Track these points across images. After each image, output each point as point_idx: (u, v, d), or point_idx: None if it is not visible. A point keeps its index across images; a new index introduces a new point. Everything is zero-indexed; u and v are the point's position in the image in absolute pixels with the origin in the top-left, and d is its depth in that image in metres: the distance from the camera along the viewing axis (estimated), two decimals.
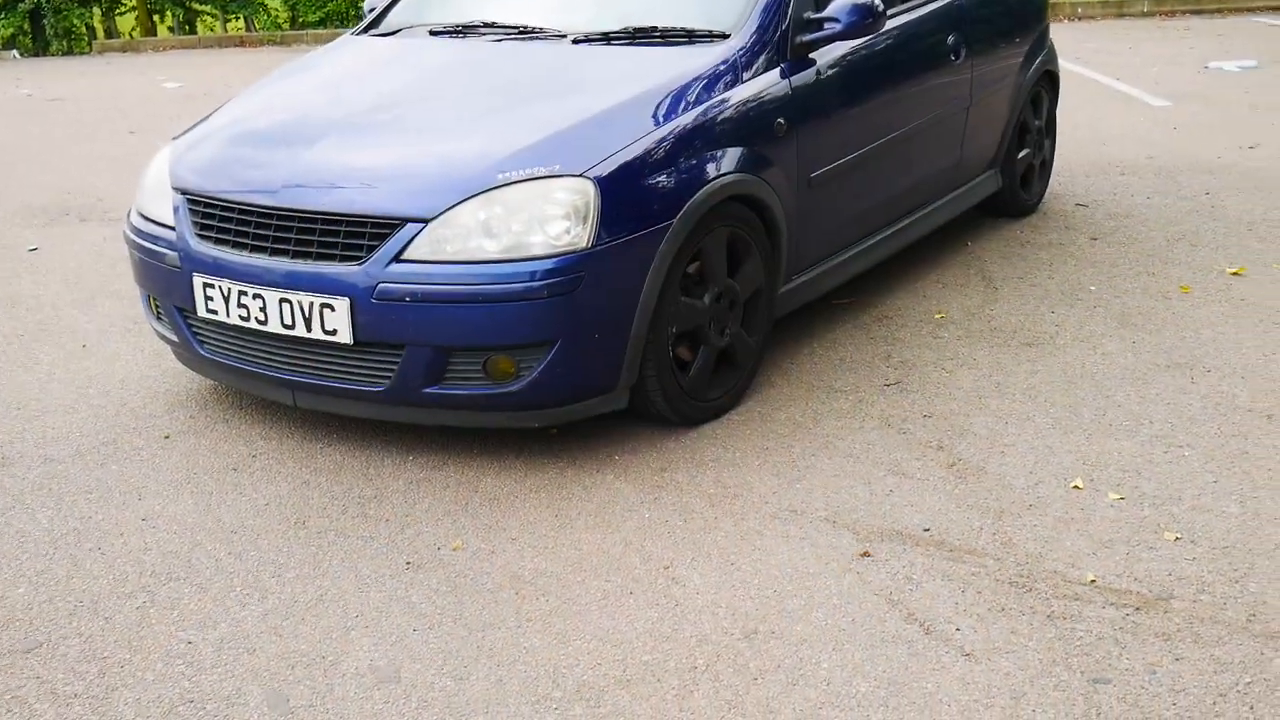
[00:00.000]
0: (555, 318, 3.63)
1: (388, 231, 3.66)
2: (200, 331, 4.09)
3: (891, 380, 4.38)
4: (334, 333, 3.72)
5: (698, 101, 4.04)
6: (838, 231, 4.75)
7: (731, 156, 4.05)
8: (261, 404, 4.35)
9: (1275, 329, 4.69)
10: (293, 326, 3.78)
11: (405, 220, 3.65)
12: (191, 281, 3.96)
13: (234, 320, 3.90)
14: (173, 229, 4.08)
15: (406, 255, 3.64)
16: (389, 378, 3.75)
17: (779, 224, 4.28)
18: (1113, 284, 5.27)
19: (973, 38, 5.48)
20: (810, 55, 4.48)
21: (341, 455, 3.98)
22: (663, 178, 3.82)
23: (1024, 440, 3.90)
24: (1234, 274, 5.34)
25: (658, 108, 3.97)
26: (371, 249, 3.67)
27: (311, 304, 3.72)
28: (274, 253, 3.81)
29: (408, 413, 3.86)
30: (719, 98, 4.11)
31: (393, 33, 5.00)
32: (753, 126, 4.16)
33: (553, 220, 3.62)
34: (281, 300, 3.77)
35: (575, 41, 4.49)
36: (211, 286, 3.92)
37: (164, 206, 4.16)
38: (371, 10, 5.34)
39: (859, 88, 4.71)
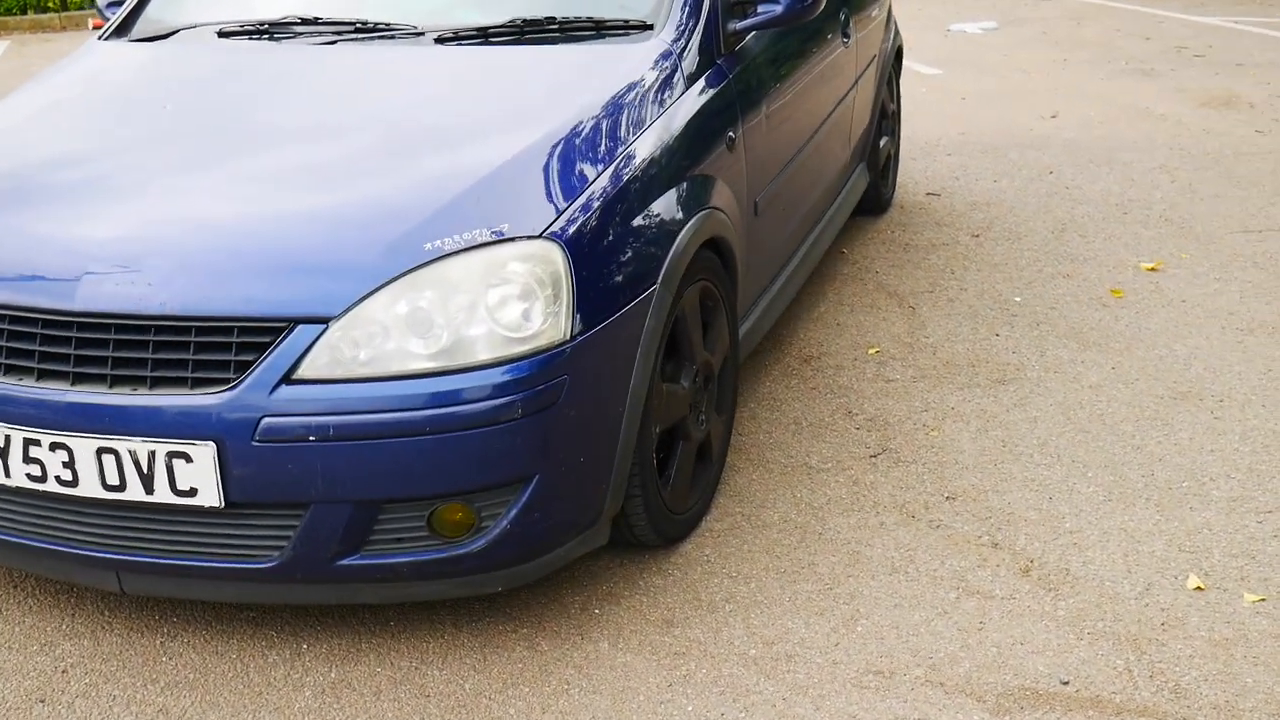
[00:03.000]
0: (532, 444, 2.54)
1: (268, 340, 2.47)
2: None
3: (875, 449, 3.51)
4: (191, 493, 2.50)
5: (645, 120, 3.02)
6: (771, 261, 3.83)
7: (695, 188, 3.05)
8: (58, 590, 3.02)
9: (1248, 337, 4.13)
10: (121, 487, 2.53)
11: (293, 321, 2.47)
12: None
13: (17, 482, 2.59)
14: None
15: (301, 373, 2.46)
16: (280, 549, 2.56)
17: (735, 266, 3.32)
18: (1034, 291, 4.60)
19: (854, 8, 4.66)
20: (737, 48, 3.51)
21: (199, 654, 2.75)
22: (634, 231, 2.79)
23: (1089, 524, 3.12)
24: (1151, 269, 4.78)
25: (600, 134, 2.92)
26: (244, 367, 2.46)
27: (153, 454, 2.49)
28: (80, 380, 2.53)
29: (308, 592, 2.68)
30: (667, 112, 3.09)
31: (162, 36, 3.67)
32: (706, 146, 3.17)
33: (509, 303, 2.53)
34: (101, 451, 2.51)
35: (440, 41, 3.34)
36: None
37: None
38: (110, 4, 3.96)
39: (784, 84, 3.79)
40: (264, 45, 3.47)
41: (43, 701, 2.65)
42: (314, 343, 2.45)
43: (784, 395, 3.86)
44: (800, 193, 4.00)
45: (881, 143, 5.35)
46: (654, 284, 2.79)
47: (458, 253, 2.53)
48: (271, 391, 2.44)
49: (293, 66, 3.36)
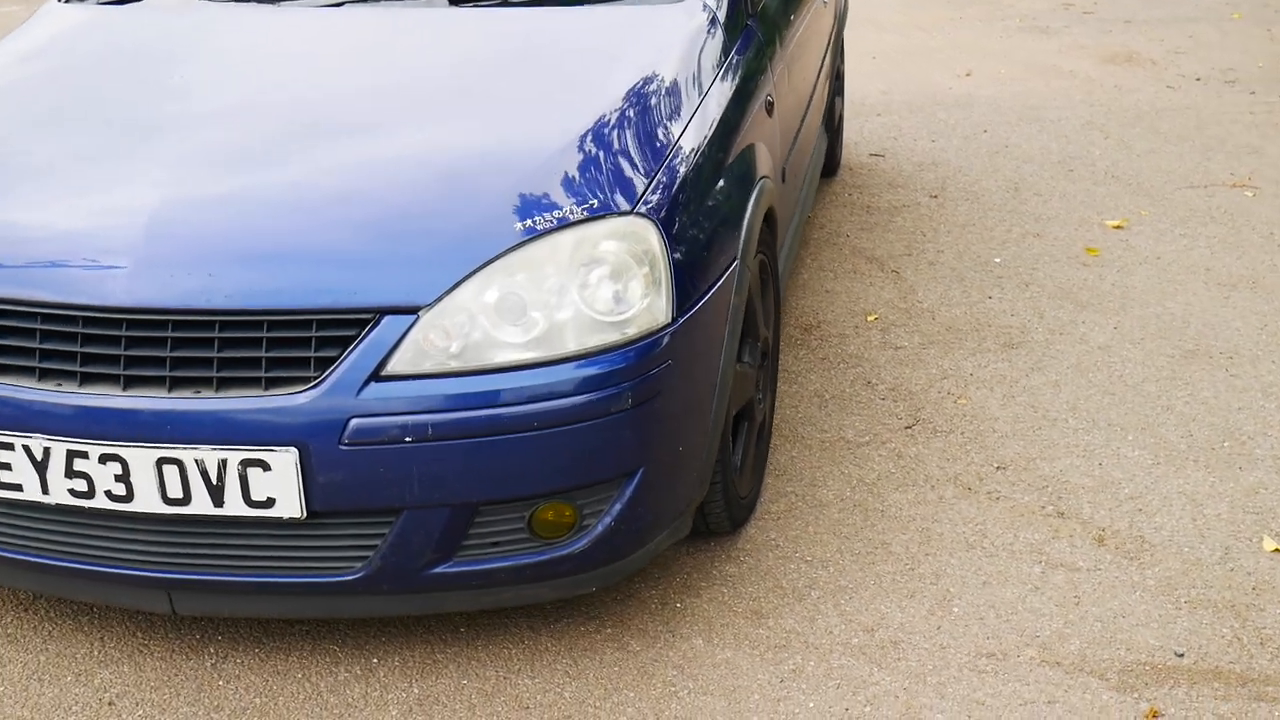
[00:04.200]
0: (640, 435, 2.38)
1: (352, 333, 2.25)
2: None
3: (908, 420, 3.43)
4: (268, 504, 2.28)
5: (703, 86, 2.86)
6: (784, 228, 3.70)
7: (749, 157, 2.91)
8: (76, 611, 2.75)
9: (1233, 293, 4.18)
10: (184, 501, 2.29)
11: (380, 311, 2.26)
12: None
13: (57, 499, 2.32)
14: None
15: (390, 368, 2.24)
16: (365, 559, 2.35)
17: (779, 236, 3.19)
18: (1011, 252, 4.58)
19: None
20: (759, 8, 3.37)
21: (259, 676, 2.54)
22: (713, 203, 2.64)
23: (1146, 488, 3.09)
24: (1117, 227, 4.80)
25: (666, 101, 2.75)
26: (325, 364, 2.24)
27: (223, 463, 2.25)
28: (133, 383, 2.27)
29: (393, 603, 2.48)
30: (719, 76, 2.94)
31: None
32: (753, 111, 3.02)
33: (605, 285, 2.35)
34: (162, 462, 2.26)
35: (454, 1, 3.12)
36: (5, 447, 2.33)
37: None
38: None
39: (792, 45, 3.66)
40: (263, 7, 3.19)
41: None
42: (404, 335, 2.25)
43: (796, 367, 3.75)
44: (802, 157, 3.88)
45: (836, 103, 5.26)
46: (735, 258, 2.64)
47: (549, 232, 2.34)
48: (360, 390, 2.23)
49: (309, 30, 3.10)
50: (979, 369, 3.70)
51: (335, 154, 2.55)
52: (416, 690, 2.50)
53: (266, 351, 2.26)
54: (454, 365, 2.27)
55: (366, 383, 2.23)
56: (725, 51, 3.00)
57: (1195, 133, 5.95)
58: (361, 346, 2.24)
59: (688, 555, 2.87)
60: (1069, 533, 2.92)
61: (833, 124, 5.21)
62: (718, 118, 2.77)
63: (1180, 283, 4.26)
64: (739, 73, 3.00)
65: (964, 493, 3.09)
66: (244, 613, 2.53)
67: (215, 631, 2.66)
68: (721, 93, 2.86)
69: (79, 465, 2.30)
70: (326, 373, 2.24)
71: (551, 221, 2.35)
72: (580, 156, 2.51)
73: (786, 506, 3.06)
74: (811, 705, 2.42)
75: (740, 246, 2.66)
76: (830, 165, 5.31)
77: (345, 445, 2.24)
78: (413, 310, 2.25)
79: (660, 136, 2.61)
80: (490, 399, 2.26)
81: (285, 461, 2.24)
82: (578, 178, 2.47)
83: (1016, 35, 8.25)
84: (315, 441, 2.24)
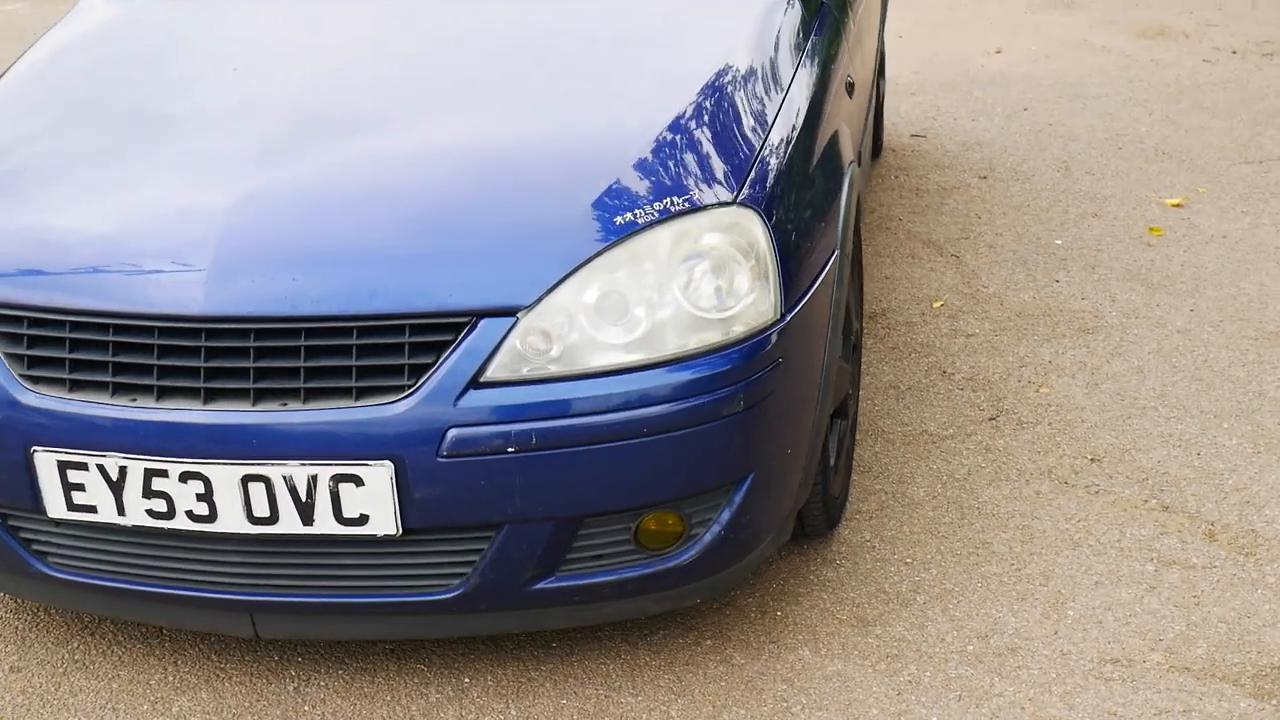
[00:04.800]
0: (752, 439, 2.25)
1: (448, 338, 2.11)
2: (45, 539, 2.32)
3: (990, 412, 3.30)
4: (360, 521, 2.14)
5: (792, 65, 2.73)
6: None
7: (838, 142, 2.77)
8: (145, 635, 2.61)
9: None
10: (271, 520, 2.16)
11: (477, 314, 2.12)
12: (29, 461, 2.19)
13: (134, 520, 2.19)
14: None
15: (489, 375, 2.11)
16: (462, 576, 2.21)
17: (860, 224, 3.06)
18: (1071, 233, 4.45)
19: None
20: None
21: (345, 699, 2.43)
22: (812, 192, 2.50)
23: (1250, 479, 2.97)
24: (1176, 205, 4.67)
25: (756, 82, 2.62)
26: (419, 371, 2.10)
27: (313, 479, 2.12)
28: (214, 396, 2.13)
29: (490, 621, 2.35)
30: (805, 55, 2.81)
31: None
32: (836, 92, 2.88)
33: (709, 280, 2.22)
34: (247, 479, 2.12)
35: None
36: (79, 467, 2.18)
37: None
38: None
39: (856, 21, 3.51)
40: None
41: None
42: (503, 338, 2.11)
43: (868, 358, 3.62)
44: (867, 138, 3.75)
45: (879, 83, 5.12)
46: (835, 248, 2.51)
47: (651, 226, 2.21)
48: (458, 398, 2.10)
49: (363, 12, 2.95)
50: (1057, 356, 3.57)
51: (408, 147, 2.42)
52: (514, 711, 2.37)
53: (357, 360, 2.13)
54: (554, 370, 2.14)
55: (465, 390, 2.10)
56: (805, 30, 2.86)
57: (1241, 107, 5.81)
58: (458, 352, 2.11)
59: (782, 560, 2.74)
60: (1177, 528, 2.80)
61: (878, 101, 5.07)
62: (805, 101, 2.64)
63: (1251, 262, 4.13)
64: (820, 52, 2.86)
65: (1061, 487, 2.97)
66: (331, 635, 2.40)
67: (295, 654, 2.53)
68: (806, 74, 2.73)
69: (158, 484, 2.17)
70: (422, 381, 2.10)
71: (653, 214, 2.21)
72: (671, 145, 2.38)
73: (877, 505, 2.93)
74: None
75: (839, 235, 2.53)
76: (876, 147, 5.17)
77: (444, 457, 2.11)
78: (511, 312, 2.12)
79: (750, 122, 2.47)
80: (596, 404, 2.13)
81: (380, 476, 2.11)
82: (672, 168, 2.33)
83: (1042, 10, 8.10)
84: (412, 454, 2.11)
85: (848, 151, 2.80)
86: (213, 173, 2.37)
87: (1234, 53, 6.74)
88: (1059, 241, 4.39)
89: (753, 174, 2.34)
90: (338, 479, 2.12)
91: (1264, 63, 6.53)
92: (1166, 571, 2.66)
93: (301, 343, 2.13)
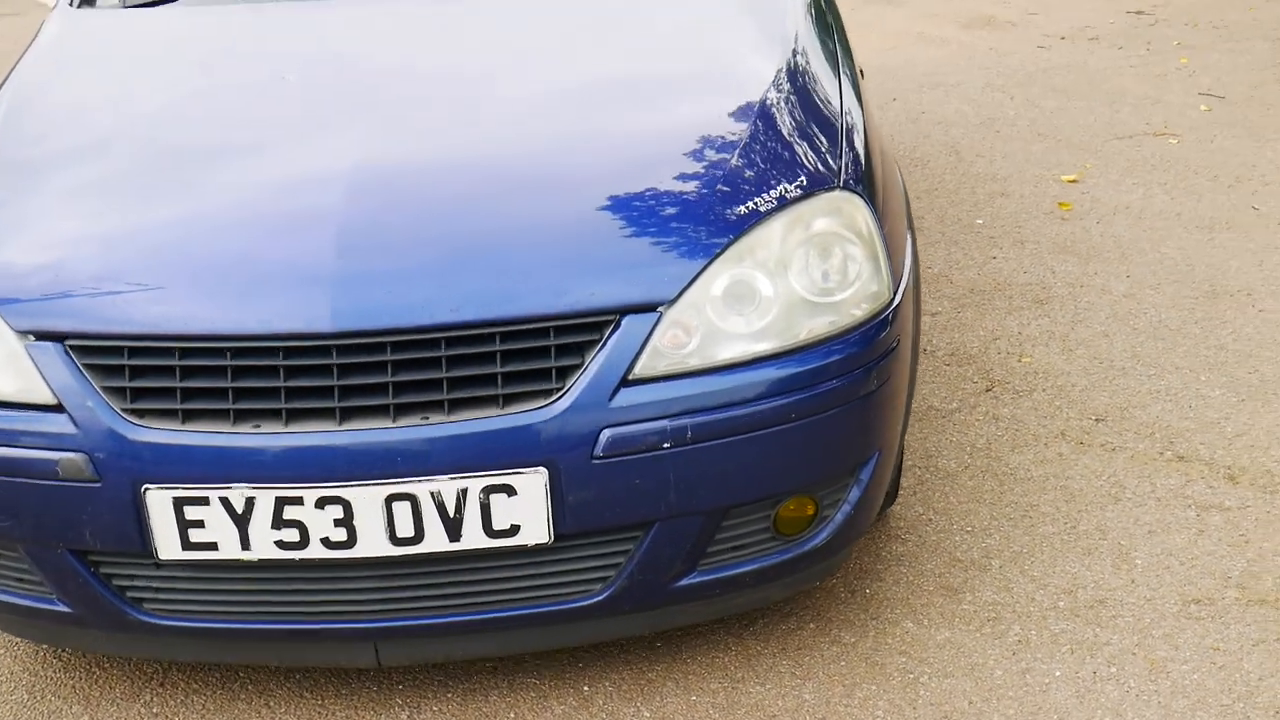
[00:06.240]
0: (880, 419, 2.31)
1: (593, 338, 2.09)
2: (144, 584, 2.19)
3: (984, 384, 3.45)
4: (511, 531, 2.10)
5: (833, 50, 2.82)
6: None
7: (873, 125, 2.84)
8: (233, 679, 2.48)
9: (1215, 234, 4.34)
10: (416, 539, 2.10)
11: (620, 312, 2.10)
12: (138, 501, 2.07)
13: (260, 553, 2.09)
14: (40, 409, 2.11)
15: (637, 372, 2.09)
16: (606, 579, 2.20)
17: None
18: (988, 213, 4.65)
19: None
20: None
21: None
22: (881, 171, 2.57)
23: (1247, 425, 3.19)
24: (1073, 181, 4.93)
25: (815, 71, 2.71)
26: (565, 374, 2.08)
27: (463, 492, 2.06)
28: (350, 415, 2.06)
29: (628, 624, 2.33)
30: (832, 41, 2.89)
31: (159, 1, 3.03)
32: (859, 79, 2.96)
33: (824, 264, 2.26)
34: (391, 499, 2.05)
35: None
36: (198, 502, 2.07)
37: None
38: None
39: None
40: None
41: None
42: (649, 335, 2.10)
43: None
44: None
45: None
46: (909, 228, 2.58)
47: (770, 214, 2.23)
48: (611, 397, 2.07)
49: (400, 19, 2.88)
50: (1024, 327, 3.74)
51: (512, 143, 2.38)
52: (646, 713, 2.35)
53: (501, 366, 2.07)
54: (693, 363, 2.14)
55: (617, 390, 2.08)
56: (825, 27, 2.93)
57: (1091, 89, 6.16)
58: (605, 352, 2.09)
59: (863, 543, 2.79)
60: (1199, 475, 2.97)
61: None
62: (854, 94, 2.70)
63: (1163, 230, 4.40)
64: (844, 49, 2.94)
65: (1079, 448, 3.11)
66: (459, 655, 2.33)
67: (396, 684, 2.45)
68: (844, 69, 2.79)
69: (290, 513, 2.08)
70: (571, 383, 2.07)
71: (771, 202, 2.24)
72: (767, 137, 2.41)
73: (916, 480, 3.01)
74: (1058, 674, 2.39)
75: (907, 214, 2.60)
76: None
77: (599, 459, 2.08)
78: (653, 308, 2.11)
79: (827, 114, 2.53)
80: (742, 394, 2.15)
81: (534, 484, 2.07)
82: (774, 159, 2.37)
83: (865, 6, 8.38)
84: (566, 458, 2.07)
85: (884, 134, 2.88)
86: (314, 180, 2.28)
87: (1063, 38, 7.13)
88: (980, 221, 4.58)
89: (845, 160, 2.38)
90: (489, 490, 2.07)
91: (1094, 47, 6.93)
92: (1208, 515, 2.82)
93: (442, 353, 2.07)
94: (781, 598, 2.44)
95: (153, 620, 2.22)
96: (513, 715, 2.37)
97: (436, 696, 2.41)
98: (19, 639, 2.57)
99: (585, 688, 2.42)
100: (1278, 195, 4.60)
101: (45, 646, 2.56)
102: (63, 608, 2.25)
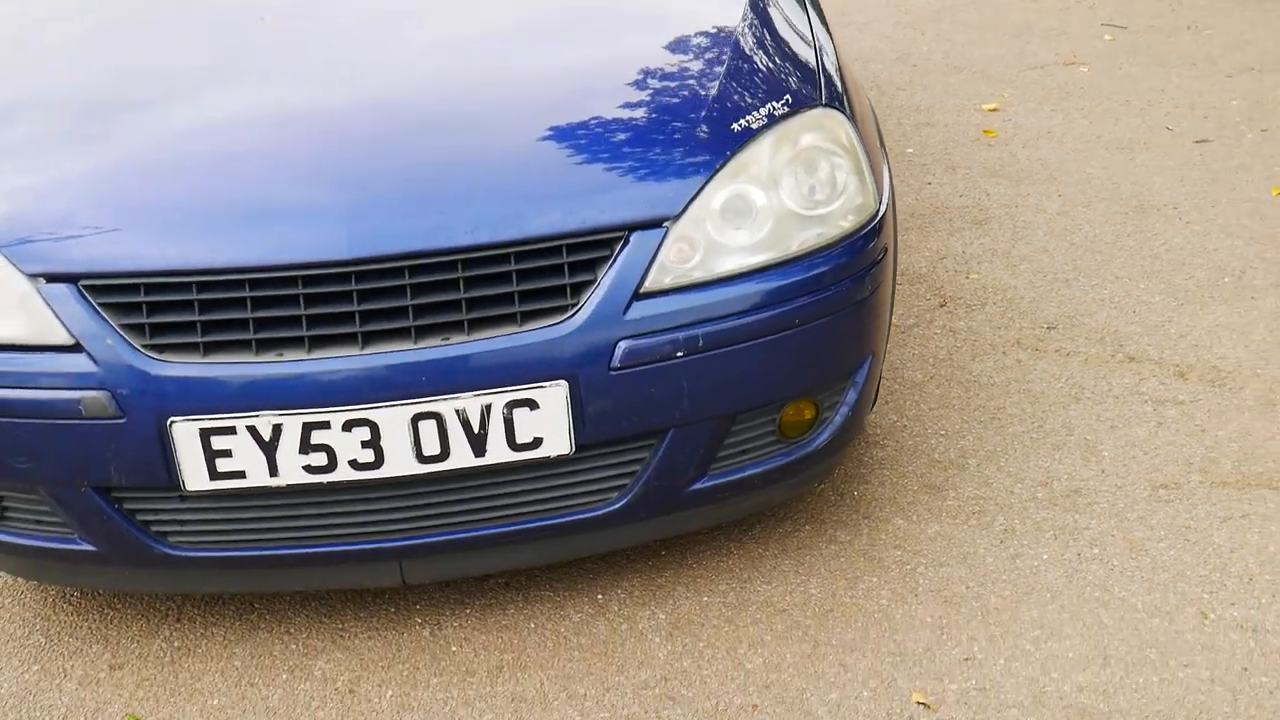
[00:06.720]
0: (874, 322, 2.43)
1: (603, 254, 2.17)
2: (168, 518, 2.23)
3: (936, 300, 3.59)
4: (534, 444, 2.18)
5: None
6: None
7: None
8: (247, 610, 2.52)
9: (1134, 155, 4.53)
10: (442, 457, 2.16)
11: (628, 228, 2.18)
12: (163, 434, 2.11)
13: (288, 479, 2.14)
14: (57, 349, 2.14)
15: (647, 286, 2.18)
16: (622, 487, 2.29)
17: None
18: (916, 143, 4.80)
19: None
20: None
21: (490, 634, 2.45)
22: (851, 92, 2.67)
23: (1188, 325, 3.36)
24: (993, 110, 5.10)
25: (787, 3, 2.75)
26: (579, 290, 2.16)
27: (487, 408, 2.14)
28: (372, 339, 2.12)
29: (642, 530, 2.42)
30: None
31: None
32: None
33: (812, 176, 2.36)
34: (418, 418, 2.12)
35: None
36: (225, 432, 2.11)
37: (5, 317, 2.17)
38: None
39: None
40: None
41: None
42: (657, 250, 2.18)
43: None
44: None
45: None
46: (883, 146, 2.68)
47: (761, 131, 2.32)
48: (625, 310, 2.16)
49: None
50: (968, 246, 3.88)
51: (510, 72, 2.44)
52: (663, 615, 2.45)
53: (518, 285, 2.14)
54: (697, 276, 2.23)
55: (630, 303, 2.16)
56: None
57: (998, 22, 6.33)
58: (616, 267, 2.16)
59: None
60: (1151, 373, 3.14)
61: None
62: (820, 15, 2.80)
63: (1085, 151, 4.58)
64: None
65: (1035, 354, 3.26)
66: (482, 569, 2.40)
67: (412, 603, 2.52)
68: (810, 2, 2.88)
69: (318, 437, 2.13)
70: (585, 298, 2.15)
71: (762, 120, 2.33)
72: (751, 59, 2.50)
73: (887, 391, 3.14)
74: (1045, 556, 2.53)
75: (879, 135, 2.70)
76: None
77: (616, 370, 2.16)
78: (659, 224, 2.19)
79: (800, 36, 2.63)
80: (747, 303, 2.24)
81: (555, 397, 2.15)
82: (759, 79, 2.46)
83: None
84: (585, 371, 2.15)
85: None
86: (320, 112, 2.32)
87: None
88: (910, 150, 4.71)
89: (823, 81, 2.48)
90: (512, 405, 2.13)
91: None
92: (1164, 409, 2.99)
93: (459, 274, 2.12)
94: (782, 500, 2.55)
95: (177, 553, 2.25)
96: (532, 625, 2.44)
97: (454, 614, 2.48)
98: (29, 583, 2.58)
99: (599, 596, 2.51)
100: (1189, 116, 4.80)
101: (55, 591, 2.58)
102: (85, 547, 2.27)
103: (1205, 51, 5.46)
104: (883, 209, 2.40)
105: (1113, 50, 5.66)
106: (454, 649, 2.40)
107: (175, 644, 2.46)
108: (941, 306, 3.54)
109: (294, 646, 2.43)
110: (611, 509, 2.29)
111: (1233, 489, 2.70)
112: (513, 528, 2.28)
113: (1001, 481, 2.76)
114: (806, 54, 2.56)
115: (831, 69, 2.55)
